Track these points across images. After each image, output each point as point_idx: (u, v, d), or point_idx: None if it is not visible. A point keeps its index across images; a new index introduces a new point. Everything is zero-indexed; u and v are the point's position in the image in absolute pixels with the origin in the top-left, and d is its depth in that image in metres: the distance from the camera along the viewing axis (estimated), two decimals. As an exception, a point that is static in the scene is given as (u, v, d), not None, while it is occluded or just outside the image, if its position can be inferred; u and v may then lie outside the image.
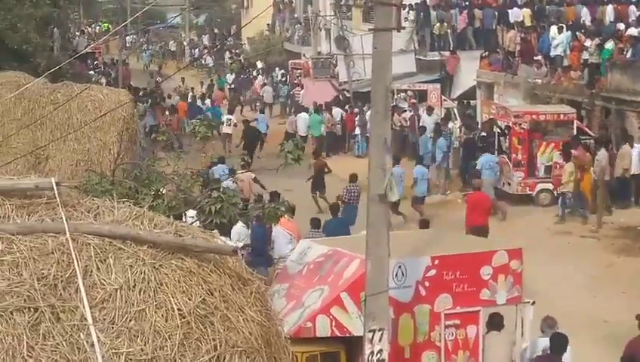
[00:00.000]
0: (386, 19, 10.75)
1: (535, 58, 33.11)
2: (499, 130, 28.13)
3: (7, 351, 6.96)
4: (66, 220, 7.74)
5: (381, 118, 10.83)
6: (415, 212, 24.92)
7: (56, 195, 7.96)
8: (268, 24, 58.76)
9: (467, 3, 39.61)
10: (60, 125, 20.04)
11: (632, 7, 35.52)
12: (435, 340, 12.75)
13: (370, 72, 11.64)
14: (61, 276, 7.40)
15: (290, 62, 50.87)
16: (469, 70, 36.73)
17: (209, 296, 7.72)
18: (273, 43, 57.09)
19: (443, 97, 35.42)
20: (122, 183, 14.45)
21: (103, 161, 19.58)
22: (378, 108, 10.83)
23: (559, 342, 12.34)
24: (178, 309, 7.49)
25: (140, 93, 40.28)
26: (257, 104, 45.62)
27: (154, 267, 7.68)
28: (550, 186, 26.34)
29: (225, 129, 36.78)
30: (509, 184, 27.00)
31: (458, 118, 33.46)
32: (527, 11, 37.54)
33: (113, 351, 7.17)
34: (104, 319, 7.30)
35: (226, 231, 14.97)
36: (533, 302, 13.43)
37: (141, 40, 76.31)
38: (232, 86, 50.74)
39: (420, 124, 31.87)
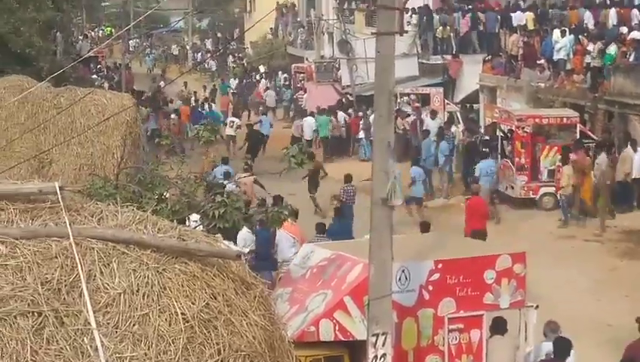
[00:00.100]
0: (388, 23, 10.76)
1: (538, 62, 33.11)
2: (502, 134, 28.14)
3: (11, 356, 6.95)
4: (70, 224, 7.73)
5: (384, 121, 10.85)
6: (408, 214, 24.87)
7: (60, 200, 7.95)
8: (271, 28, 58.77)
9: (470, 7, 39.62)
10: (64, 129, 20.03)
11: (635, 11, 35.52)
12: (438, 344, 12.75)
13: (373, 75, 11.65)
14: (65, 280, 7.39)
15: (293, 66, 50.87)
16: (471, 74, 36.71)
17: (212, 301, 7.72)
18: (276, 47, 57.11)
19: (446, 101, 35.43)
20: (126, 187, 14.45)
21: (107, 165, 19.58)
22: (381, 111, 10.85)
23: (563, 347, 12.34)
24: (182, 313, 7.49)
25: (143, 97, 40.28)
26: (260, 108, 45.64)
27: (157, 271, 7.67)
28: (553, 190, 26.35)
29: (228, 131, 36.86)
30: (512, 188, 27.00)
31: (461, 121, 33.46)
32: (530, 15, 37.54)
33: (117, 355, 7.16)
34: (108, 323, 7.29)
35: (229, 236, 14.98)
36: (537, 306, 13.43)
37: (144, 44, 76.35)
38: (235, 91, 50.78)
39: (424, 128, 31.91)
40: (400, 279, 12.28)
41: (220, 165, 26.10)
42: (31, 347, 6.99)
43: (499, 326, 13.03)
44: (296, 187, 25.65)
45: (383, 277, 10.88)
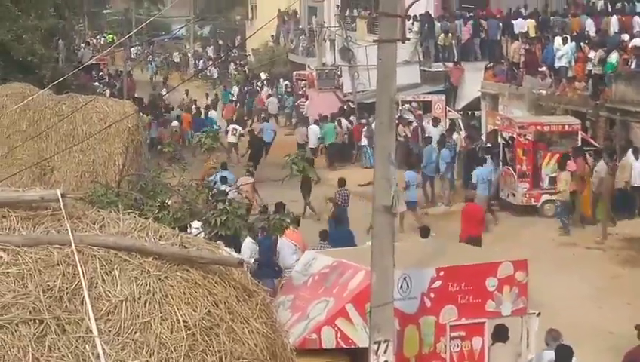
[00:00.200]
0: (390, 30, 10.76)
1: (539, 69, 33.11)
2: (503, 141, 28.14)
3: (13, 363, 6.96)
4: (72, 232, 7.73)
5: (386, 129, 10.84)
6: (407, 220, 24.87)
7: (62, 207, 7.95)
8: (272, 35, 58.80)
9: (472, 14, 39.65)
10: (65, 137, 20.05)
11: (637, 18, 35.55)
12: (440, 352, 12.73)
13: (374, 83, 11.66)
14: (67, 288, 7.39)
15: (294, 73, 50.89)
16: (473, 81, 36.71)
17: (214, 308, 7.72)
18: (278, 54, 57.14)
19: (447, 108, 35.40)
20: (127, 195, 14.48)
21: (108, 173, 19.58)
22: (383, 119, 10.84)
23: (564, 354, 12.32)
24: (183, 321, 7.49)
25: (144, 105, 40.32)
26: (262, 115, 45.67)
27: (159, 279, 7.67)
28: (555, 197, 26.34)
29: (230, 138, 36.86)
30: (514, 195, 26.99)
31: (463, 129, 33.45)
32: (531, 22, 37.57)
33: (119, 362, 7.17)
34: (109, 331, 7.29)
35: (230, 243, 14.98)
36: (539, 314, 13.41)
37: (146, 52, 76.42)
38: (235, 98, 50.80)
39: (425, 135, 31.90)
40: (402, 286, 12.27)
41: (220, 171, 26.11)
42: (32, 354, 6.99)
43: (501, 334, 13.02)
44: (298, 194, 25.65)
45: (384, 284, 10.87)
